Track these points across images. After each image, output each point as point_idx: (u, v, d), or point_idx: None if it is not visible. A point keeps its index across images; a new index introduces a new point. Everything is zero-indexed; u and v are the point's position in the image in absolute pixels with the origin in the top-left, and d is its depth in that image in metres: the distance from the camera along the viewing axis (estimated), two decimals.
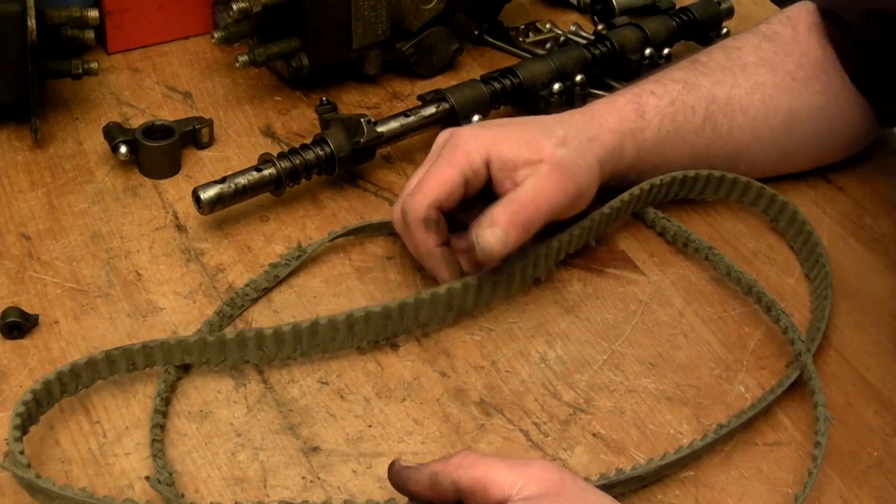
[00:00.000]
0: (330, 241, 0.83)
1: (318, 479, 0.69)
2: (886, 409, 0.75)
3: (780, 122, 0.88)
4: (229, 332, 0.74)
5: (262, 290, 0.80)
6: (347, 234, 0.84)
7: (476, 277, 0.77)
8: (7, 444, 0.66)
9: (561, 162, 0.78)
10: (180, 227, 0.85)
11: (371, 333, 0.76)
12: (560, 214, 0.79)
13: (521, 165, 0.78)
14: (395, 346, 0.77)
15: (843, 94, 0.89)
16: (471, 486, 0.61)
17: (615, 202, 0.83)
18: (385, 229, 0.85)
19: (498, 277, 0.79)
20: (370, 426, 0.72)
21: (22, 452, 0.64)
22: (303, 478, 0.69)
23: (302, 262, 0.82)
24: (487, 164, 0.78)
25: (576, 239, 0.82)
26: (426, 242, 0.78)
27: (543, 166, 0.78)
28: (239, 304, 0.79)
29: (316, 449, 0.70)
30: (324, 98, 0.92)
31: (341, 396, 0.74)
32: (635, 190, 0.84)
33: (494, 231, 0.75)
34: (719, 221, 0.88)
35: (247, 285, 0.80)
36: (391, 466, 0.65)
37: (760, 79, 0.88)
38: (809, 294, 0.83)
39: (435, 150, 0.81)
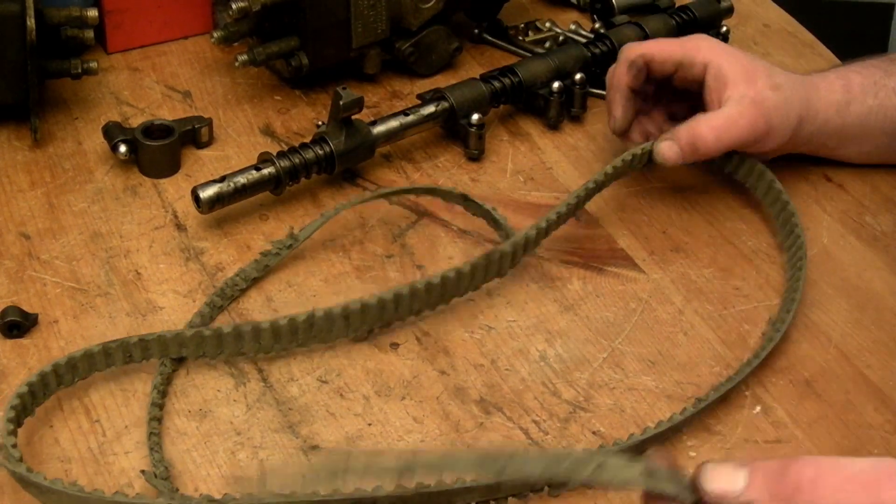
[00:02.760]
0: (322, 224, 0.83)
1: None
2: (886, 406, 0.75)
3: None
4: (226, 325, 0.74)
5: (252, 279, 0.80)
6: (338, 211, 0.84)
7: (468, 264, 0.77)
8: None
9: (764, 101, 0.84)
10: (180, 227, 0.85)
11: (367, 323, 0.76)
12: (742, 148, 0.86)
13: (731, 86, 0.84)
14: (394, 345, 0.77)
15: None
16: None
17: (598, 176, 0.85)
18: (417, 194, 0.86)
19: (489, 263, 0.78)
20: (370, 424, 0.72)
21: (15, 446, 0.65)
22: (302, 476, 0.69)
23: (294, 251, 0.82)
24: (706, 68, 0.86)
25: (563, 217, 0.82)
26: (621, 78, 0.88)
27: (747, 98, 0.84)
28: (229, 294, 0.79)
29: (315, 447, 0.70)
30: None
31: (341, 395, 0.74)
32: (617, 162, 0.85)
33: (672, 146, 0.84)
34: (720, 220, 0.88)
35: (236, 275, 0.80)
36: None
37: None
38: (785, 264, 0.84)
39: None
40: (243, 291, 0.80)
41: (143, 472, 0.67)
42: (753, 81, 0.85)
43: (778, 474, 0.54)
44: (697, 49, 0.87)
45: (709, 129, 0.84)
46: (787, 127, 0.86)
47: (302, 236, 0.82)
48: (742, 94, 0.84)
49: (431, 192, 0.86)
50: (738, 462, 0.56)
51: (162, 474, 0.67)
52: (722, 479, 0.55)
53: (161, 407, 0.71)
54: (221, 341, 0.73)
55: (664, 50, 0.87)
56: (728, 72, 0.85)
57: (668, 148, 0.84)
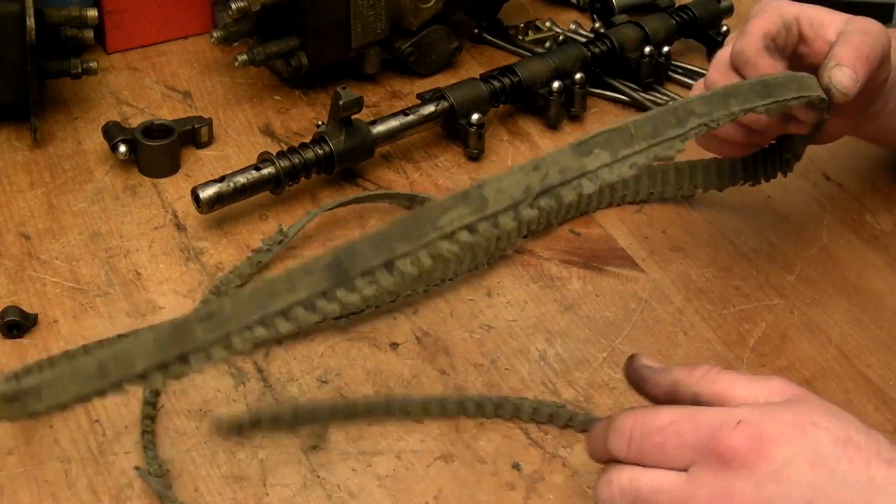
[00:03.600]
0: (309, 220, 0.83)
1: (318, 477, 0.69)
2: (887, 405, 0.75)
3: None
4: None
5: (247, 275, 0.80)
6: (324, 209, 0.84)
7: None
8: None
9: (869, 27, 0.77)
10: (179, 226, 0.85)
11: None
12: (885, 61, 0.77)
13: (830, 24, 0.78)
14: (394, 345, 0.77)
15: None
16: (711, 399, 0.61)
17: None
18: (366, 202, 0.86)
19: (463, 253, 0.76)
20: (369, 424, 0.72)
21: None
22: (302, 476, 0.69)
23: (293, 250, 0.82)
24: (798, 22, 0.78)
25: (544, 215, 0.81)
26: (776, 69, 0.76)
27: (856, 21, 0.77)
28: (224, 291, 0.79)
29: (316, 448, 0.70)
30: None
31: (341, 395, 0.74)
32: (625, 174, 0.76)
33: (843, 70, 0.74)
34: (720, 219, 0.88)
35: (230, 273, 0.80)
36: (630, 360, 0.66)
37: None
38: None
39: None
40: (238, 287, 0.80)
41: (137, 468, 0.67)
42: (846, 17, 0.78)
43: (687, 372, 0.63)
44: (778, 9, 0.78)
45: (861, 35, 0.76)
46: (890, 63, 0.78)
47: (290, 233, 0.82)
48: (847, 23, 0.77)
49: (378, 198, 0.86)
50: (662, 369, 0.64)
51: (156, 472, 0.67)
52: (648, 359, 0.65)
53: (154, 405, 0.71)
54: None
55: (766, 23, 0.76)
56: (820, 14, 0.78)
57: (845, 75, 0.74)
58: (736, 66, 0.77)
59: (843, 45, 0.75)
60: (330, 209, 0.84)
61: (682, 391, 0.63)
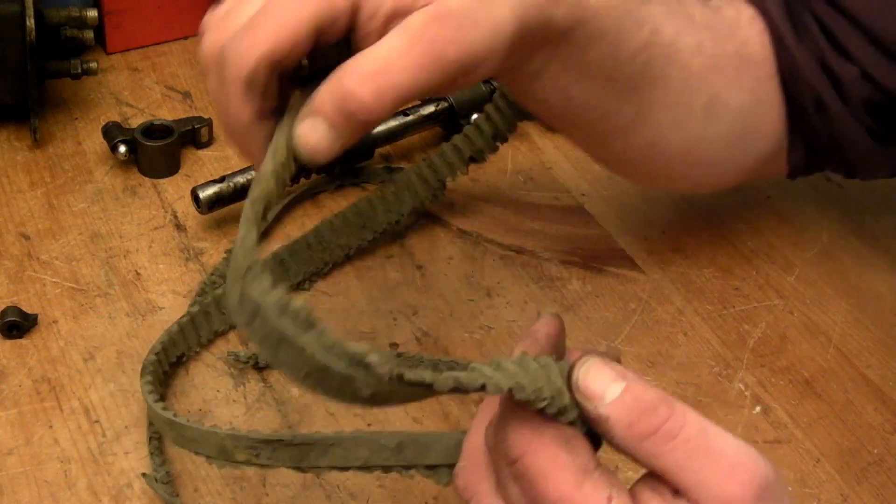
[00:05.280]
0: (284, 205, 0.84)
1: (318, 477, 0.69)
2: (887, 406, 0.75)
3: (702, 102, 0.70)
4: None
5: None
6: (292, 197, 0.85)
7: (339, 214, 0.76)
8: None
9: (450, 11, 0.52)
10: (179, 227, 0.85)
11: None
12: (430, 93, 0.55)
13: (394, 14, 0.53)
14: (394, 345, 0.77)
15: (768, 110, 0.75)
16: (662, 471, 0.48)
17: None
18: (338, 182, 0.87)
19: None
20: (369, 425, 0.72)
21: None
22: (302, 476, 0.69)
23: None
24: (355, 7, 0.54)
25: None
26: (240, 113, 0.54)
27: (419, 16, 0.52)
28: (210, 293, 0.79)
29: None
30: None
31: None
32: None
33: (315, 123, 0.52)
34: (720, 220, 0.88)
35: (211, 274, 0.80)
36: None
37: (705, 43, 0.70)
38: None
39: None
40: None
41: (143, 475, 0.67)
42: None
43: (647, 409, 0.47)
44: None
45: (360, 81, 0.52)
46: (498, 36, 0.53)
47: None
48: (410, 15, 0.52)
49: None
50: (621, 373, 0.48)
51: (163, 478, 0.67)
52: (597, 381, 0.48)
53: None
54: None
55: (288, 31, 0.53)
56: None
57: (310, 129, 0.52)
58: (219, 66, 0.55)
59: (336, 84, 0.52)
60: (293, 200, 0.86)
61: (644, 448, 0.48)
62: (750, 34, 0.74)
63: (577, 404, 0.48)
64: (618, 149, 0.70)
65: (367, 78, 0.52)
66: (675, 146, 0.71)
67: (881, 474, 0.71)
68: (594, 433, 0.49)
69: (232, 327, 0.76)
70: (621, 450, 0.48)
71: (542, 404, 0.48)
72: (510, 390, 0.47)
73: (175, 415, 0.63)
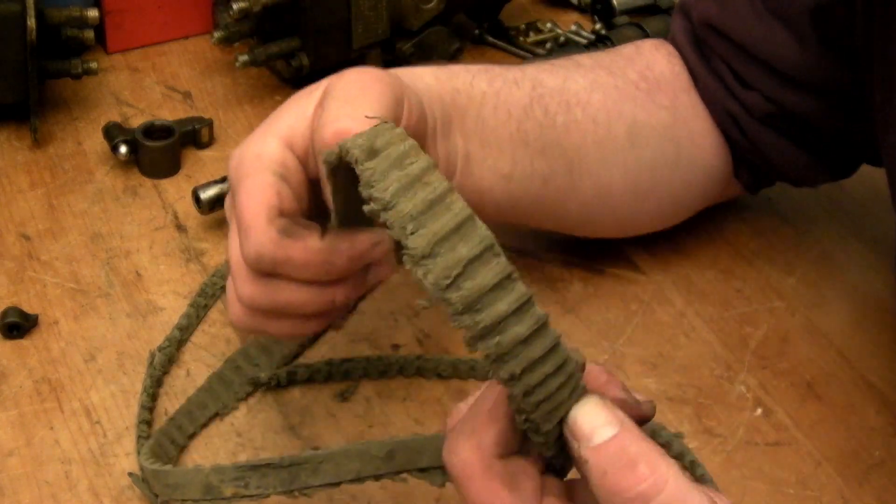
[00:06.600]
0: None
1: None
2: (888, 408, 0.75)
3: (623, 131, 0.75)
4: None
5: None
6: None
7: None
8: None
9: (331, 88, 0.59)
10: (180, 227, 0.85)
11: None
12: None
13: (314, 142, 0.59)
14: (395, 346, 0.77)
15: (693, 120, 0.79)
16: None
17: None
18: None
19: None
20: (371, 426, 0.72)
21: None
22: None
23: None
24: (291, 147, 0.59)
25: None
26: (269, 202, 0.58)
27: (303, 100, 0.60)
28: (210, 293, 0.78)
29: (316, 449, 0.70)
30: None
31: (343, 397, 0.74)
32: None
33: None
34: (720, 221, 0.88)
35: (213, 275, 0.79)
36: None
37: (600, 79, 0.76)
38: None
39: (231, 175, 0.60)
40: (223, 289, 0.79)
41: (130, 474, 0.67)
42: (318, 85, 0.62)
43: (626, 464, 0.46)
44: (257, 157, 0.59)
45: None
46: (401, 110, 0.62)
47: None
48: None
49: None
50: (618, 419, 0.48)
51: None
52: (589, 420, 0.47)
53: (151, 410, 0.71)
54: None
55: (265, 196, 0.58)
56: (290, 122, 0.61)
57: None
58: (265, 272, 0.58)
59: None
60: None
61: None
62: (655, 57, 0.80)
63: (563, 438, 0.48)
64: (573, 208, 0.76)
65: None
66: (616, 184, 0.77)
67: (882, 477, 0.71)
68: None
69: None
70: (596, 496, 0.47)
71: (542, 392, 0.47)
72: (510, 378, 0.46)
73: (157, 463, 0.63)
